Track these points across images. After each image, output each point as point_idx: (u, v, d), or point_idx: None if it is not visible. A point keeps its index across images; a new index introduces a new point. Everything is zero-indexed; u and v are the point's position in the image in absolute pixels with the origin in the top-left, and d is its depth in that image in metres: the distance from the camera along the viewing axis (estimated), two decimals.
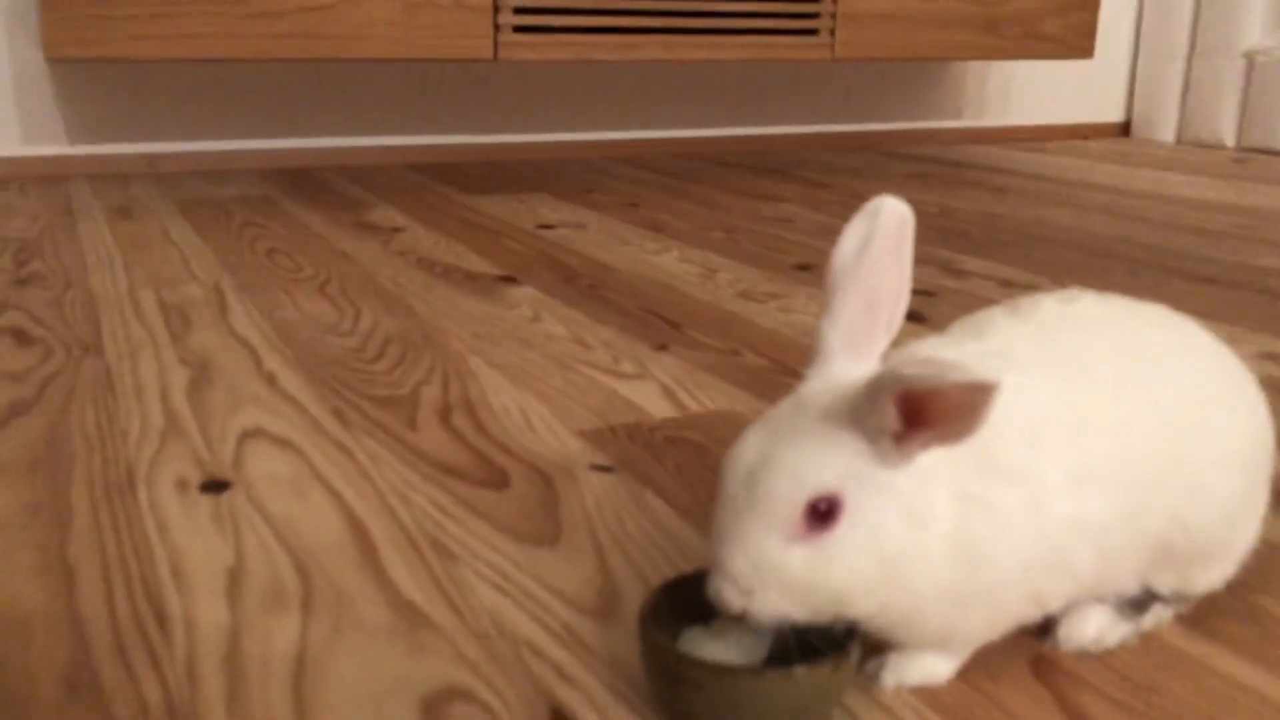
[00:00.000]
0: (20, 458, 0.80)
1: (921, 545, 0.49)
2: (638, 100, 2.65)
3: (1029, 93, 3.26)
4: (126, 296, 1.24)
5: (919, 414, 0.47)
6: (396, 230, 1.67)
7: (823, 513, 0.48)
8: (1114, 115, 3.48)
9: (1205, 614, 0.62)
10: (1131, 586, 0.59)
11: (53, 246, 1.50)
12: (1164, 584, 0.60)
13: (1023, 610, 0.53)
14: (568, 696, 0.53)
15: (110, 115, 2.12)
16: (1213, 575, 0.61)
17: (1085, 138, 3.39)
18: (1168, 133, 3.31)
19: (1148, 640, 0.60)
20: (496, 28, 1.99)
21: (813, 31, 2.33)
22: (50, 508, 0.72)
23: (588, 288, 1.34)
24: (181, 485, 0.76)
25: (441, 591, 0.63)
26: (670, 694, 0.51)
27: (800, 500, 0.47)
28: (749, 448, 0.50)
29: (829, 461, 0.48)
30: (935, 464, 0.49)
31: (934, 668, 0.55)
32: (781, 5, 2.28)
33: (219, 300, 1.24)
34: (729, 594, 0.49)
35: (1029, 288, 1.39)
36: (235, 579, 0.64)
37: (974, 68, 3.13)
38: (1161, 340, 0.59)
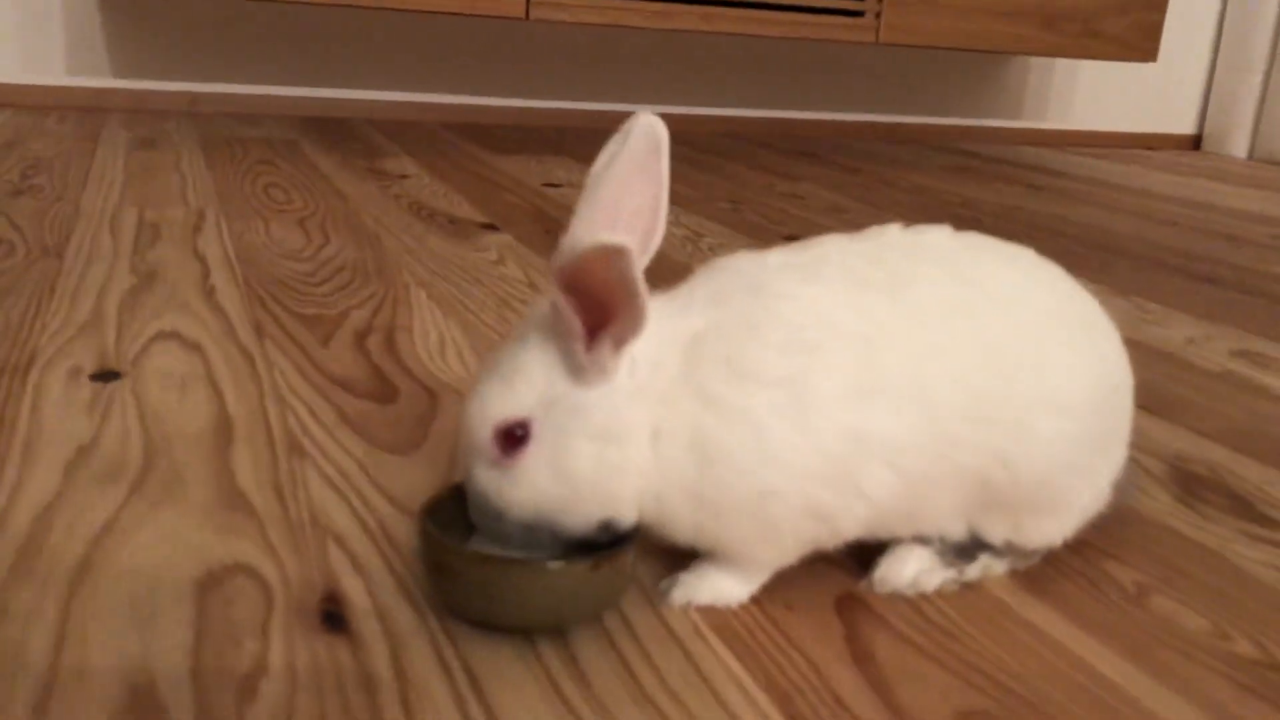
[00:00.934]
0: None
1: (619, 460, 0.49)
2: (685, 75, 2.63)
3: (1094, 97, 3.18)
4: (109, 213, 1.27)
5: (594, 310, 0.47)
6: (403, 177, 1.68)
7: (517, 438, 0.49)
8: (1185, 127, 3.38)
9: (1043, 573, 0.60)
10: (956, 529, 0.57)
11: (63, 166, 1.54)
12: (994, 533, 0.58)
13: (807, 528, 0.52)
14: (351, 584, 0.53)
15: (154, 53, 2.17)
16: (1047, 529, 0.59)
17: (1151, 148, 3.30)
18: (1240, 148, 3.21)
19: (971, 590, 0.58)
20: None
21: (858, 13, 2.30)
22: None
23: None
24: (74, 372, 0.77)
25: (274, 484, 0.63)
26: (436, 582, 0.51)
27: (488, 429, 0.49)
28: (479, 372, 0.51)
29: (517, 389, 0.49)
30: (655, 378, 0.49)
31: (725, 589, 0.54)
32: None
33: (196, 222, 1.26)
34: (476, 515, 0.51)
35: None
36: (82, 455, 0.65)
37: (1037, 67, 3.06)
38: (1006, 276, 0.57)
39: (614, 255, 0.45)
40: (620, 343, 0.49)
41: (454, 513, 0.52)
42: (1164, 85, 3.23)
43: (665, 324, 0.51)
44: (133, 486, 0.61)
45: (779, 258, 0.55)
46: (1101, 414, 0.58)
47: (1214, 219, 1.94)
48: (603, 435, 0.49)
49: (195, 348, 0.84)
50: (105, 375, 0.77)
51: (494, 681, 0.47)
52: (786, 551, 0.53)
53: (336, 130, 2.13)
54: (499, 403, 0.50)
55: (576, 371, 0.49)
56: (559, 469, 0.49)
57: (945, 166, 2.39)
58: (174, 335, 0.87)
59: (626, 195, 0.53)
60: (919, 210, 1.77)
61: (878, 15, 2.31)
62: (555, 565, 0.48)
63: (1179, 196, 2.20)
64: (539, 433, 0.49)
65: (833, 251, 0.55)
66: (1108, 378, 0.58)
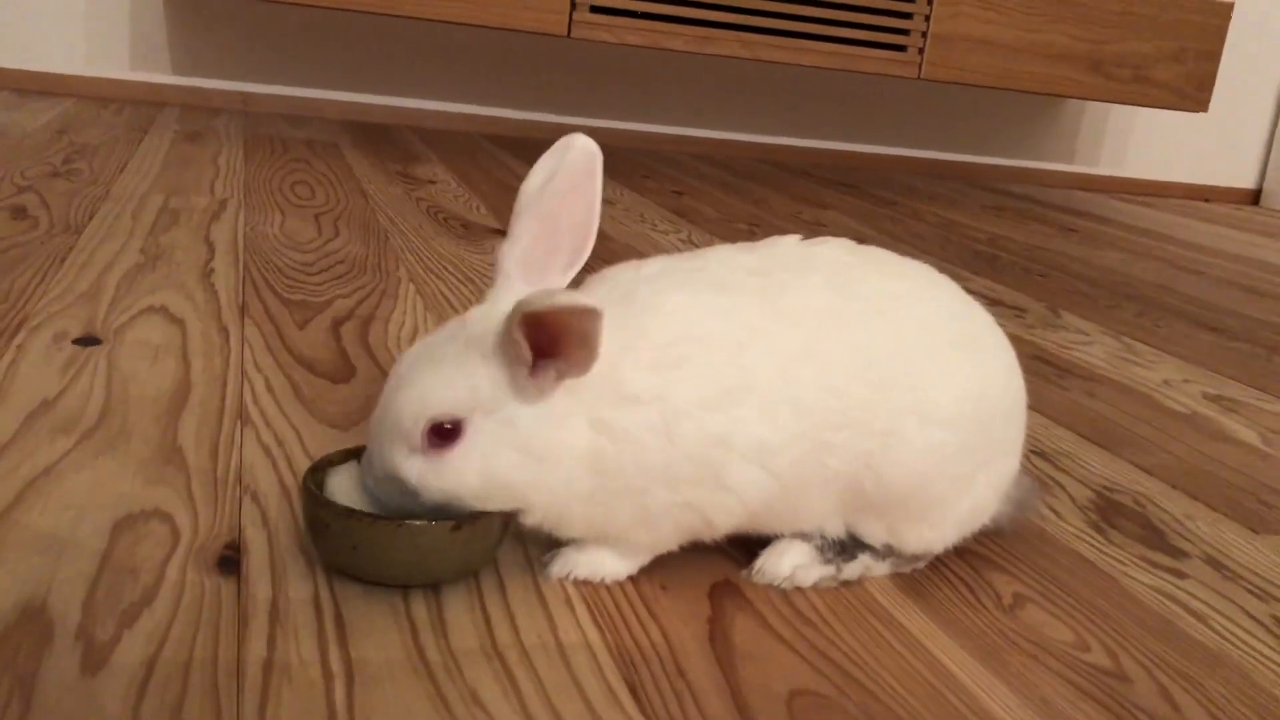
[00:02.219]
0: None
1: (537, 474, 0.52)
2: (728, 100, 2.67)
3: (1150, 145, 3.16)
4: (136, 198, 1.34)
5: (546, 343, 0.50)
6: (430, 183, 1.74)
7: (446, 431, 0.52)
8: (1245, 181, 3.34)
9: (926, 578, 0.63)
10: (835, 528, 0.60)
11: (106, 154, 1.62)
12: (871, 535, 0.60)
13: (683, 519, 0.55)
14: (254, 535, 0.57)
15: (212, 53, 2.26)
16: (925, 535, 0.61)
17: (1209, 200, 3.26)
18: None
19: (850, 589, 0.60)
20: (573, 5, 2.05)
21: (901, 48, 2.32)
22: None
23: None
24: (59, 337, 0.83)
25: (211, 444, 0.67)
26: (311, 536, 0.55)
27: (421, 421, 0.52)
28: (405, 360, 0.54)
29: (457, 389, 0.52)
30: (572, 401, 0.52)
31: (603, 564, 0.57)
32: (871, 18, 2.27)
33: (216, 211, 1.32)
34: (368, 485, 0.55)
35: (1015, 308, 1.37)
36: (44, 408, 0.70)
37: (1091, 111, 3.05)
38: (891, 289, 0.59)
39: (586, 316, 0.48)
40: (563, 376, 0.52)
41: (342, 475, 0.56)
42: (1223, 137, 3.20)
43: None
44: (81, 438, 0.66)
45: (656, 266, 0.58)
46: (979, 427, 0.59)
47: (1242, 271, 1.92)
48: (528, 451, 0.52)
49: (178, 322, 0.89)
50: (87, 340, 0.83)
51: (360, 628, 0.50)
52: (664, 538, 0.56)
53: (379, 135, 2.19)
54: (437, 398, 0.52)
55: (517, 389, 0.52)
56: (484, 471, 0.52)
57: (983, 205, 2.40)
58: (161, 310, 0.92)
59: (564, 211, 0.57)
60: (938, 243, 1.79)
61: (920, 51, 2.33)
62: (418, 524, 0.52)
63: (1214, 248, 2.19)
64: (471, 434, 0.52)
65: (714, 260, 0.58)
66: (987, 393, 0.60)
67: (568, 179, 0.57)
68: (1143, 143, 3.15)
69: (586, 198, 0.57)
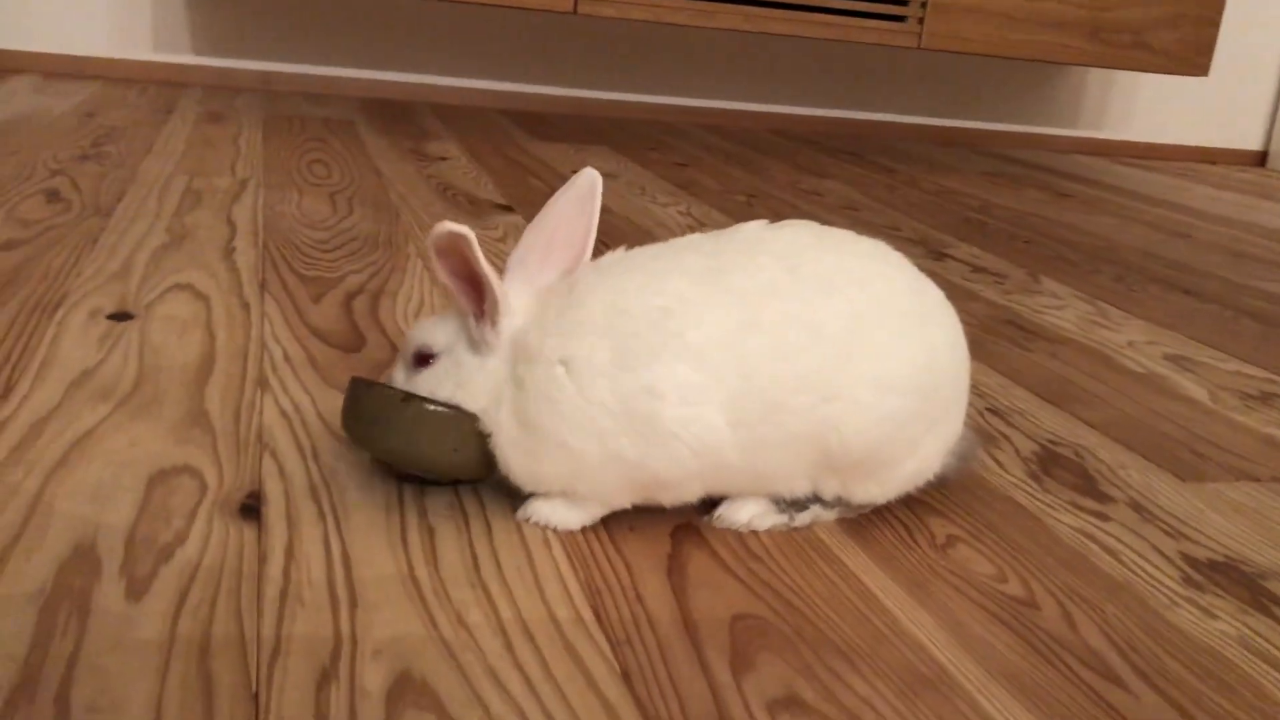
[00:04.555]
0: None
1: (463, 402, 0.64)
2: (734, 71, 2.73)
3: (1154, 109, 3.19)
4: (162, 179, 1.42)
5: (477, 296, 0.63)
6: (442, 159, 1.81)
7: (425, 359, 0.66)
8: (1251, 143, 3.37)
9: (869, 521, 0.70)
10: (802, 488, 0.67)
11: (132, 136, 1.70)
12: (827, 490, 0.68)
13: (627, 474, 0.62)
14: (273, 487, 0.65)
15: (233, 33, 2.34)
16: (870, 488, 0.68)
17: (1213, 163, 3.30)
18: None
19: (799, 532, 0.68)
20: None
21: (900, 18, 2.37)
22: None
23: None
24: (95, 313, 0.91)
25: (234, 408, 0.76)
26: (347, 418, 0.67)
27: (413, 346, 0.66)
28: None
29: (434, 330, 0.66)
30: (502, 361, 0.64)
31: (561, 515, 0.64)
32: None
33: (237, 191, 1.40)
34: None
35: (996, 274, 1.43)
36: (85, 377, 0.78)
37: (1095, 76, 3.09)
38: (844, 267, 0.66)
39: (457, 239, 0.59)
40: (492, 321, 0.63)
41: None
42: (1229, 99, 3.23)
43: (531, 313, 0.64)
44: (118, 404, 0.74)
45: (614, 256, 0.67)
46: (926, 394, 0.66)
47: (1230, 234, 1.98)
48: (465, 388, 0.65)
49: (203, 298, 0.97)
50: (120, 316, 0.91)
51: (362, 561, 0.58)
52: (608, 491, 0.64)
53: (395, 112, 2.27)
54: (422, 334, 0.67)
55: (469, 340, 0.65)
56: (431, 393, 0.65)
57: (982, 171, 2.45)
58: (188, 287, 1.00)
59: (564, 226, 0.68)
60: (930, 210, 1.85)
61: (920, 21, 2.38)
62: (374, 389, 0.65)
63: (1207, 211, 2.24)
64: (435, 365, 0.65)
65: (674, 248, 0.67)
66: (934, 362, 0.67)
67: (572, 201, 0.68)
68: (1147, 106, 3.19)
69: (587, 216, 0.68)
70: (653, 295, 0.62)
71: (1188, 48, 2.66)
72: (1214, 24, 2.67)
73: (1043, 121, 3.08)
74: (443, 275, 0.63)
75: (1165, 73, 2.65)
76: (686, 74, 2.69)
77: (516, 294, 0.65)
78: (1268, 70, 3.28)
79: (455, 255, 0.62)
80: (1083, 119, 3.13)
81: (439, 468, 0.64)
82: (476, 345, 0.65)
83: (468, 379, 0.64)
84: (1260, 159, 3.37)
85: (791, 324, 0.63)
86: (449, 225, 0.59)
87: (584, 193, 0.68)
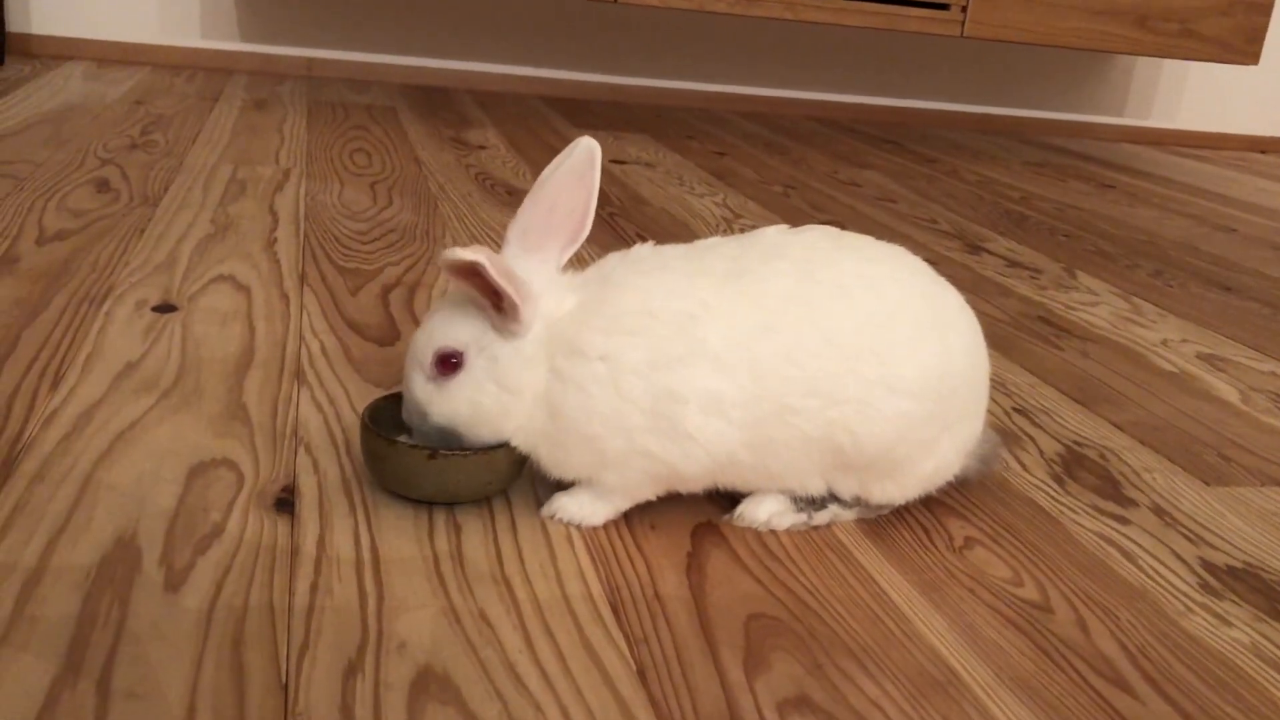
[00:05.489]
0: (37, 267, 1.00)
1: (509, 406, 0.64)
2: (775, 58, 2.72)
3: (1203, 97, 3.15)
4: (208, 169, 1.45)
5: (487, 289, 0.62)
6: (481, 148, 1.83)
7: (452, 364, 0.64)
8: None
9: (889, 522, 0.71)
10: (817, 486, 0.68)
11: (179, 124, 1.74)
12: (845, 489, 0.69)
13: (649, 468, 0.64)
14: (306, 481, 0.68)
15: (279, 19, 2.37)
16: (888, 489, 0.69)
17: (1264, 151, 3.25)
18: None
19: (820, 531, 0.69)
20: None
21: (944, 6, 2.35)
22: (32, 303, 0.92)
23: (608, 215, 1.46)
24: (140, 304, 0.94)
25: (271, 401, 0.78)
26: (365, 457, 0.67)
27: (431, 351, 0.64)
28: (431, 309, 0.65)
29: (457, 327, 0.64)
30: (541, 350, 0.64)
31: (586, 510, 0.66)
32: None
33: (280, 181, 1.43)
34: (405, 413, 0.67)
35: (1032, 269, 1.43)
36: (129, 369, 0.81)
37: (1142, 64, 3.05)
38: (861, 273, 0.67)
39: (473, 267, 0.59)
40: (514, 320, 0.63)
41: (392, 412, 0.68)
42: (1277, 87, 3.18)
43: (560, 298, 0.65)
44: (161, 396, 0.77)
45: (644, 252, 0.68)
46: (942, 397, 0.67)
47: (1275, 228, 1.95)
48: (503, 384, 0.64)
49: (244, 290, 1.00)
50: (164, 308, 0.94)
51: (390, 558, 0.60)
52: (632, 483, 0.65)
53: (436, 99, 2.29)
54: (442, 333, 0.64)
55: (498, 329, 0.64)
56: (473, 399, 0.64)
57: (1025, 161, 2.44)
58: (230, 278, 1.03)
59: (562, 198, 0.68)
60: (969, 202, 1.85)
61: (964, 9, 2.36)
62: (403, 447, 0.64)
63: (1253, 203, 2.21)
64: (468, 367, 0.64)
65: (699, 250, 0.68)
66: (949, 366, 0.68)
67: (571, 172, 0.67)
68: (1196, 94, 3.14)
69: (586, 188, 0.67)
70: (680, 299, 0.63)
71: (1237, 35, 2.62)
72: (1265, 11, 2.62)
73: (1089, 110, 3.05)
74: (450, 277, 0.63)
75: (1215, 61, 2.62)
76: (726, 61, 2.69)
77: (533, 273, 0.65)
78: None
79: (471, 275, 0.61)
80: (1130, 107, 3.10)
81: (473, 498, 0.66)
82: (504, 333, 0.64)
83: (509, 375, 0.63)
84: None
85: (805, 329, 0.64)
86: (460, 254, 0.59)
87: (582, 163, 0.67)
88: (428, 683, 0.50)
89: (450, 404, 0.64)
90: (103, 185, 1.32)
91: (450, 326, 0.64)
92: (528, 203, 0.67)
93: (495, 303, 0.63)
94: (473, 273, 0.61)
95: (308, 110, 1.99)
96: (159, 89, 2.05)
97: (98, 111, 1.78)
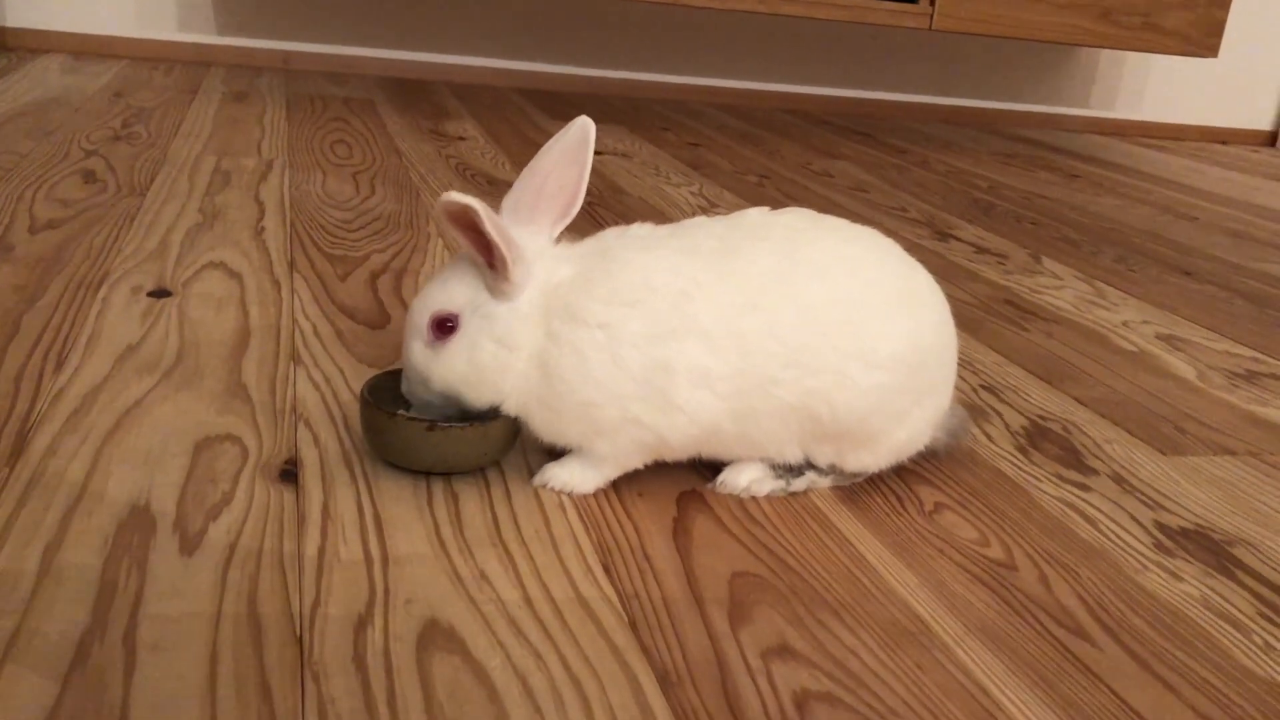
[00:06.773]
0: (33, 255, 1.02)
1: (507, 361, 0.67)
2: (749, 51, 2.76)
3: (1166, 89, 3.21)
4: (191, 160, 1.47)
5: (487, 246, 0.64)
6: (460, 139, 1.86)
7: (448, 327, 0.67)
8: (1262, 123, 3.38)
9: (863, 489, 0.75)
10: (795, 455, 0.72)
11: (160, 116, 1.75)
12: (821, 458, 0.73)
13: (631, 432, 0.67)
14: (308, 453, 0.71)
15: (255, 12, 2.38)
16: (863, 457, 0.73)
17: (1225, 142, 3.32)
18: None
19: (798, 498, 0.73)
20: None
21: (912, 0, 2.40)
22: (30, 289, 0.94)
23: (586, 204, 1.49)
24: (136, 290, 0.96)
25: (270, 380, 0.81)
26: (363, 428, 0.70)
27: (427, 316, 0.67)
28: (423, 284, 0.68)
29: (451, 289, 0.67)
30: (538, 312, 0.67)
31: (577, 477, 0.70)
32: None
33: (264, 172, 1.45)
34: (405, 384, 0.69)
35: (999, 255, 1.47)
36: (130, 351, 0.83)
37: (1107, 56, 3.11)
38: (837, 252, 0.71)
39: (467, 211, 0.62)
40: (506, 273, 0.66)
41: (390, 388, 0.71)
42: (1240, 79, 3.25)
43: (554, 266, 0.68)
44: (163, 376, 0.80)
45: (641, 230, 0.71)
46: (914, 370, 0.71)
47: (1234, 215, 2.01)
48: (502, 341, 0.67)
49: (236, 276, 1.03)
50: (160, 293, 0.96)
51: (393, 523, 0.64)
52: (622, 451, 0.68)
53: (413, 92, 2.31)
54: (436, 297, 0.67)
55: (493, 289, 0.67)
56: (471, 358, 0.67)
57: (994, 152, 2.48)
58: (221, 265, 1.05)
59: (555, 174, 0.71)
60: (939, 191, 1.89)
61: (932, 2, 2.41)
62: (403, 421, 0.67)
63: (1213, 192, 2.27)
64: (464, 328, 0.67)
65: (688, 229, 0.71)
66: (921, 340, 0.72)
67: (565, 150, 0.70)
68: (1159, 86, 3.21)
69: (579, 165, 0.70)
70: (675, 276, 0.67)
71: (1197, 29, 2.68)
72: (1224, 5, 2.69)
73: (1055, 101, 3.10)
74: (457, 233, 0.65)
75: (1175, 54, 2.68)
76: (700, 53, 2.73)
77: (525, 241, 0.67)
78: (1278, 51, 3.29)
79: (465, 221, 0.64)
80: (1095, 99, 3.16)
81: (470, 469, 0.69)
82: (495, 292, 0.67)
83: (507, 332, 0.66)
84: (1271, 139, 3.38)
85: (786, 305, 0.68)
86: (456, 197, 0.61)
87: (576, 141, 0.70)
88: (434, 635, 0.54)
89: (449, 365, 0.67)
90: (89, 176, 1.34)
91: (445, 291, 0.67)
92: (521, 178, 0.70)
93: (488, 259, 0.65)
94: (468, 223, 0.64)
95: (287, 103, 2.00)
96: (138, 82, 2.06)
97: (78, 104, 1.79)
